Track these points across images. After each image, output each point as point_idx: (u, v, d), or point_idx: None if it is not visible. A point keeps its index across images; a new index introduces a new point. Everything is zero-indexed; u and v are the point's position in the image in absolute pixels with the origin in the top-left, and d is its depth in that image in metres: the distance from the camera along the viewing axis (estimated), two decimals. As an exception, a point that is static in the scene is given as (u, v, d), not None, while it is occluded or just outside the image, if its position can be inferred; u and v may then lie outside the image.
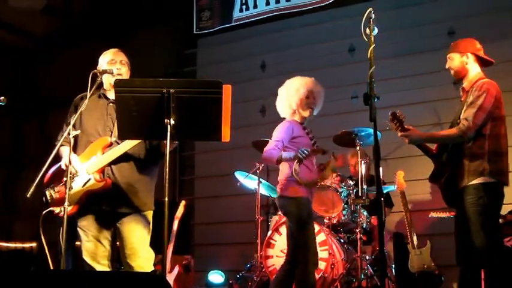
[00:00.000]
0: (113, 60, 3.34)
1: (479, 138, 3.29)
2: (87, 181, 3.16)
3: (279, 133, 3.76)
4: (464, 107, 3.34)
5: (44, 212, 3.12)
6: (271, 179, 5.54)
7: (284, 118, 3.92)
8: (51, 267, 3.10)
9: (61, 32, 8.10)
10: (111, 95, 3.31)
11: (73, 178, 3.16)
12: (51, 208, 3.17)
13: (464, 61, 3.46)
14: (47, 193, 3.26)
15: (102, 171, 3.18)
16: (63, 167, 3.18)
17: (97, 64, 3.40)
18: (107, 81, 3.32)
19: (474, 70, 3.47)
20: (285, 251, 4.75)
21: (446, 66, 3.54)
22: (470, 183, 3.28)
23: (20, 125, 8.65)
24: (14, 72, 8.30)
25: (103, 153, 3.18)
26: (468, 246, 3.30)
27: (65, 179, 3.08)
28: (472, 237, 3.26)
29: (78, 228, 3.27)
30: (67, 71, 7.84)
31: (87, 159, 3.20)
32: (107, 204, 3.18)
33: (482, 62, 3.50)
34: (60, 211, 3.08)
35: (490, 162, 3.27)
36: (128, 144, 3.12)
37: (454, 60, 3.49)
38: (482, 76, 3.45)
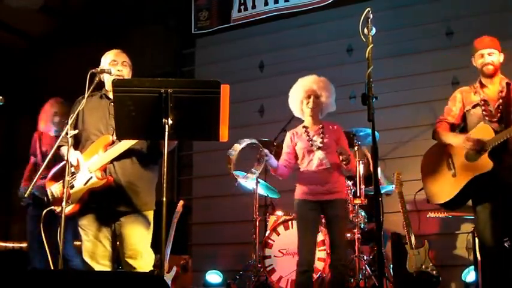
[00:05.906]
0: (114, 61, 3.34)
1: None
2: (89, 179, 3.15)
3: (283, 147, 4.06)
4: None
5: (45, 211, 3.10)
6: (270, 179, 5.53)
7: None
8: (51, 266, 3.09)
9: (58, 31, 8.08)
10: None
11: (74, 176, 3.16)
12: (52, 207, 3.16)
13: (500, 59, 3.53)
14: (49, 192, 3.25)
15: (104, 169, 3.18)
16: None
17: (98, 64, 3.39)
18: (109, 81, 3.32)
19: None
20: (283, 251, 4.79)
21: (489, 60, 3.50)
22: None
23: (15, 124, 8.62)
24: (9, 71, 8.28)
25: (105, 151, 3.18)
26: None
27: (66, 178, 3.07)
28: None
29: (79, 228, 3.27)
30: (63, 71, 7.82)
31: (89, 157, 3.20)
32: (107, 202, 3.17)
33: None
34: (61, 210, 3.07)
35: None
36: (129, 142, 3.12)
37: (498, 56, 3.51)
38: None
